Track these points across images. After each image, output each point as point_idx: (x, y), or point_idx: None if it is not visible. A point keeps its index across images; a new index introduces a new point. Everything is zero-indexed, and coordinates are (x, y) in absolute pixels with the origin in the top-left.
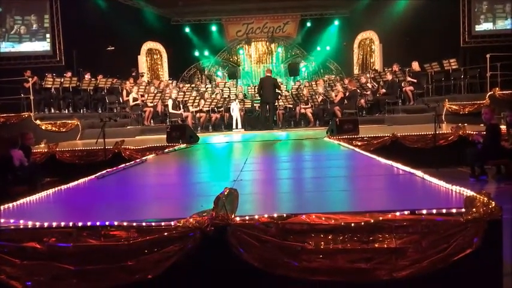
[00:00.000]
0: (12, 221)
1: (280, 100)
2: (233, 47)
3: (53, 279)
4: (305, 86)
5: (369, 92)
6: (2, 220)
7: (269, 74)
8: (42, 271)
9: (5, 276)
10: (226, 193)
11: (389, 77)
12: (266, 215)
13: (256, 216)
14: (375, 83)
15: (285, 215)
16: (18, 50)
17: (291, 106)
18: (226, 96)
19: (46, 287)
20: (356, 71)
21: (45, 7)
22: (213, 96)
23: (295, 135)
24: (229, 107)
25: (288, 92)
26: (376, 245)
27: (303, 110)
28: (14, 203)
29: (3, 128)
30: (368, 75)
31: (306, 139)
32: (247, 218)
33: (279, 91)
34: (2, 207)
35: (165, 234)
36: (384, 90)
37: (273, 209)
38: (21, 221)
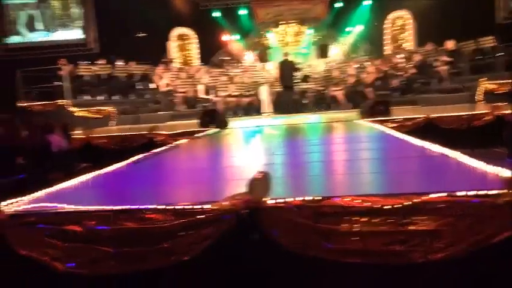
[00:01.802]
0: (53, 205)
1: (311, 83)
2: (262, 30)
3: (93, 261)
4: (336, 68)
5: (401, 73)
6: (44, 204)
7: (286, 58)
8: (82, 253)
9: (49, 258)
10: (259, 176)
11: (422, 56)
12: (299, 198)
13: (290, 199)
14: (407, 63)
15: (318, 198)
16: (51, 39)
17: (322, 88)
18: (256, 80)
19: (86, 269)
20: (388, 51)
21: None
22: (243, 80)
23: (326, 117)
24: (259, 91)
25: (318, 74)
26: (411, 227)
27: (333, 92)
28: (55, 188)
29: (40, 116)
30: (400, 55)
31: (337, 121)
32: (280, 200)
33: (296, 74)
34: (43, 192)
35: (200, 217)
36: (416, 71)
37: (305, 192)
38: (62, 205)
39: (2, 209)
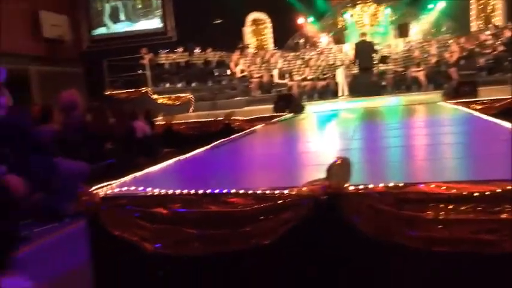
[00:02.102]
0: (141, 188)
1: (390, 64)
2: (338, 11)
3: (179, 242)
4: (416, 48)
5: (488, 51)
6: (133, 188)
7: (364, 38)
8: (169, 234)
9: (138, 238)
10: (338, 162)
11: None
12: (381, 184)
13: (371, 185)
14: (495, 40)
15: (401, 184)
16: (134, 29)
17: (401, 69)
18: (332, 62)
19: (172, 249)
20: (474, 28)
21: None
22: (318, 63)
23: (406, 100)
24: (335, 74)
25: (398, 54)
26: (503, 216)
27: (414, 73)
28: (141, 172)
29: (125, 103)
30: (488, 32)
31: (418, 104)
32: (361, 187)
33: (374, 55)
34: (131, 176)
35: (280, 202)
36: (505, 48)
37: (386, 178)
38: (149, 189)
39: (95, 192)
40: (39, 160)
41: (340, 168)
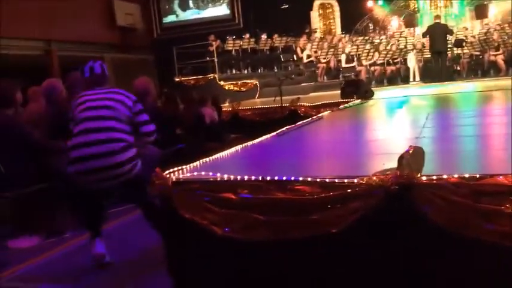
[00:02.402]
0: (211, 173)
1: (465, 47)
2: None
3: (246, 228)
4: (495, 30)
5: None
6: (203, 173)
7: (438, 21)
8: (237, 219)
9: (208, 222)
10: (411, 151)
11: None
12: (456, 175)
13: (445, 176)
14: None
15: (477, 176)
16: (202, 16)
17: (478, 53)
18: (403, 46)
19: (240, 234)
20: None
21: None
22: (388, 47)
23: (482, 86)
24: (406, 59)
25: (475, 37)
26: None
27: (492, 57)
28: (210, 158)
29: (194, 89)
30: None
31: (496, 90)
32: (434, 177)
33: (449, 38)
34: (201, 161)
35: (348, 191)
36: None
37: (459, 169)
38: (219, 174)
39: (167, 176)
40: None
41: (412, 158)
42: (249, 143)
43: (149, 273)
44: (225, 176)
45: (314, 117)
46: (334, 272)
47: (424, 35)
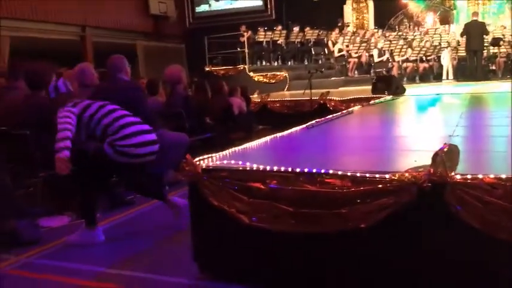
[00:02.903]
0: (240, 162)
1: (502, 46)
2: None
3: (274, 218)
4: None
5: None
6: (232, 161)
7: (475, 18)
8: (265, 209)
9: (236, 210)
10: (446, 149)
11: None
12: (492, 175)
13: (480, 176)
14: None
15: None
16: (234, 6)
17: None
18: (437, 43)
19: (268, 224)
20: None
21: None
22: (422, 44)
23: None
24: (440, 56)
25: None
26: None
27: None
28: (239, 147)
29: (223, 80)
30: None
31: None
32: (469, 177)
33: (486, 37)
34: (230, 150)
35: (379, 186)
36: None
37: (492, 169)
38: (248, 163)
39: (197, 163)
40: None
41: (447, 156)
42: (279, 134)
43: (175, 258)
44: (254, 166)
45: (344, 111)
46: (360, 267)
47: (462, 35)
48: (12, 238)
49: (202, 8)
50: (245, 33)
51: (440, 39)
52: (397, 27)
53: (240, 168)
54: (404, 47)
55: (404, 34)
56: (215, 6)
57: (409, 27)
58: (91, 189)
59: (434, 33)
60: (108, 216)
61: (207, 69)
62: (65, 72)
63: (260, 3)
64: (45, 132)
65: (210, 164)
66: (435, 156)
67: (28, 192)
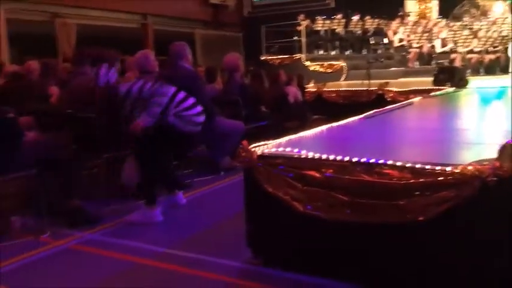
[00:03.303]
0: (296, 150)
1: None
2: None
3: (329, 207)
4: None
5: None
6: (288, 149)
7: None
8: (320, 198)
9: (290, 197)
10: None
11: None
12: None
13: None
14: None
15: None
16: None
17: None
18: (505, 34)
19: (323, 213)
20: None
21: None
22: (489, 34)
23: None
24: (508, 47)
25: None
26: None
27: None
28: (294, 135)
29: (279, 68)
30: None
31: None
32: None
33: None
34: (285, 138)
35: (440, 178)
36: None
37: None
38: (304, 151)
39: (253, 149)
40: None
41: None
42: (335, 124)
43: (230, 242)
44: (310, 154)
45: (404, 102)
46: (415, 260)
47: None
48: (77, 216)
49: None
50: (303, 22)
51: (510, 30)
52: (461, 16)
53: (296, 155)
54: (470, 37)
55: (469, 24)
56: None
57: (475, 16)
58: (152, 168)
59: (503, 23)
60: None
61: (263, 58)
62: (127, 59)
63: None
64: (108, 115)
65: (266, 151)
66: (502, 149)
67: (91, 173)
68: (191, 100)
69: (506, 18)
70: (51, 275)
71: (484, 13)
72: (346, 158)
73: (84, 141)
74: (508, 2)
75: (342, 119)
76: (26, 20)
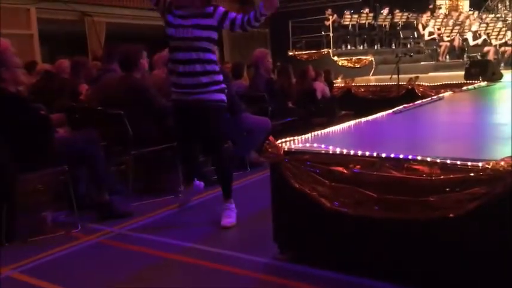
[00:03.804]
0: (323, 146)
1: None
2: None
3: (357, 203)
4: None
5: None
6: (315, 145)
7: None
8: (347, 194)
9: (317, 193)
10: None
11: None
12: None
13: None
14: None
15: None
16: None
17: None
18: None
19: (350, 209)
20: None
21: None
22: None
23: None
24: None
25: None
26: None
27: None
28: (321, 131)
29: (307, 64)
30: None
31: None
32: None
33: None
34: (312, 133)
35: (471, 174)
36: None
37: None
38: (331, 147)
39: (280, 145)
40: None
41: None
42: (363, 119)
43: (258, 237)
44: (337, 150)
45: (434, 97)
46: (445, 258)
47: None
48: (107, 210)
49: None
50: (330, 17)
51: None
52: (495, 8)
53: (323, 151)
54: (503, 29)
55: (503, 16)
56: None
57: (510, 8)
58: (190, 153)
59: None
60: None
61: (290, 53)
62: (155, 56)
63: None
64: (137, 112)
65: (292, 146)
66: None
67: (120, 169)
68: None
69: None
70: (82, 269)
71: None
72: (375, 154)
73: (113, 137)
74: None
75: (371, 115)
76: (56, 19)
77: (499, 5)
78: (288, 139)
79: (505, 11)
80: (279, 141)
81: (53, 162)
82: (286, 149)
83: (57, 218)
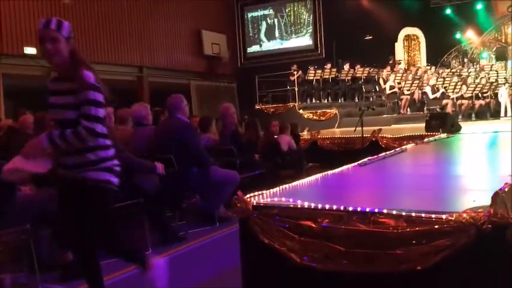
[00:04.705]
0: (291, 200)
1: None
2: (502, 25)
3: (326, 258)
4: None
5: None
6: (283, 199)
7: None
8: (316, 248)
9: (286, 248)
10: (506, 189)
11: None
12: None
13: None
14: None
15: None
16: (285, 46)
17: None
18: (493, 80)
19: (319, 264)
20: None
21: (307, 5)
22: (477, 81)
23: None
24: (497, 93)
25: None
26: None
27: None
28: (288, 185)
29: (273, 117)
30: None
31: None
32: None
33: None
34: (279, 187)
35: (436, 227)
36: None
37: None
38: (299, 201)
39: (248, 199)
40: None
41: (508, 196)
42: (329, 172)
43: None
44: (306, 204)
45: (397, 149)
46: None
47: None
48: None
49: (254, 48)
50: (295, 72)
51: (497, 76)
52: (450, 63)
53: (291, 205)
54: (459, 83)
55: (458, 71)
56: (266, 46)
57: (463, 64)
58: None
59: (491, 70)
60: (161, 252)
61: (257, 107)
62: (120, 111)
63: (310, 42)
64: None
65: (261, 201)
66: (495, 196)
67: None
68: None
69: (493, 65)
70: None
71: (472, 60)
72: (342, 207)
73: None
74: (493, 50)
75: (337, 167)
76: (21, 74)
77: (453, 61)
78: (256, 193)
79: (459, 67)
80: (247, 195)
81: (14, 222)
82: (254, 204)
83: (16, 280)
